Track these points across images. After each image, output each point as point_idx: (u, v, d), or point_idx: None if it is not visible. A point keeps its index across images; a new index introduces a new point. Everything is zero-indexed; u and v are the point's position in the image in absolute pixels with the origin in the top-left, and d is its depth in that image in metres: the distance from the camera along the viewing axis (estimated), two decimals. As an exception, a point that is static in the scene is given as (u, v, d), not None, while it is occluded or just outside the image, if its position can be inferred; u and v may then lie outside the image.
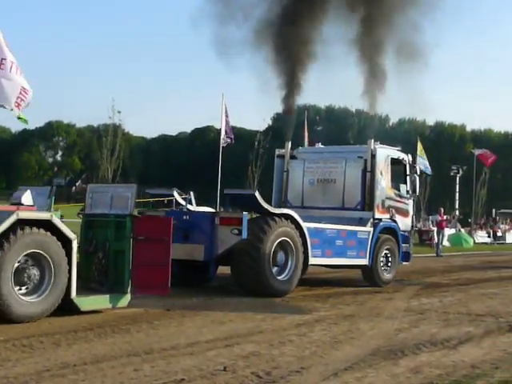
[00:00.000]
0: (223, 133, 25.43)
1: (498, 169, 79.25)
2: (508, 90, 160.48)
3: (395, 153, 17.36)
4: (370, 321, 10.89)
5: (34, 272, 9.60)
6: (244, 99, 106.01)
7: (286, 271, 13.92)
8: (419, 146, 36.58)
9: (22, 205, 10.29)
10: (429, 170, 37.00)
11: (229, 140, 25.61)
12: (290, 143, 17.98)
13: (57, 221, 9.95)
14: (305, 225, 14.38)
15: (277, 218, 13.74)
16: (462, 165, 47.19)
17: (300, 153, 17.96)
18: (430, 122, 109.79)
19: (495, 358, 8.32)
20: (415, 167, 18.13)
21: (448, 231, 39.02)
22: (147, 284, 10.77)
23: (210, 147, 74.19)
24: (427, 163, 36.22)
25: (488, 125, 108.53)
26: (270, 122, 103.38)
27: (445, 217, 35.05)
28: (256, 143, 42.57)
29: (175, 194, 14.81)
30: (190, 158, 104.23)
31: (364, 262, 15.95)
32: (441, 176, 59.31)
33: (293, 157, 17.74)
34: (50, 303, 9.73)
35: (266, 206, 13.95)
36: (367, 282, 16.44)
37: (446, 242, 37.01)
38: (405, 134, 69.73)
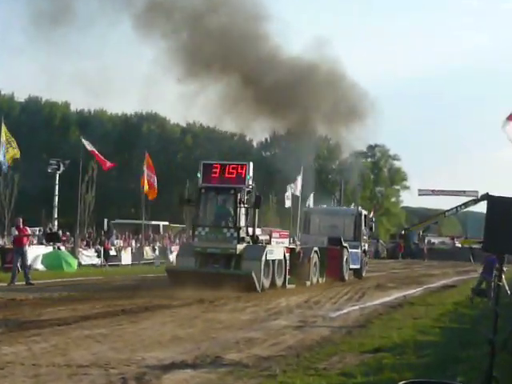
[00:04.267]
0: None
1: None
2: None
3: (364, 211, 33.39)
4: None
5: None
6: None
7: (347, 269, 29.80)
8: (3, 131, 28.16)
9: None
10: (5, 167, 29.98)
11: None
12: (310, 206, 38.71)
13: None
14: (349, 249, 29.46)
15: (344, 248, 29.01)
16: (65, 158, 36.61)
17: (316, 210, 34.43)
18: (21, 98, 77.44)
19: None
20: (372, 218, 36.67)
21: (38, 250, 29.42)
22: (331, 274, 27.60)
23: None
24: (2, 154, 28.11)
25: (102, 105, 79.01)
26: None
27: (28, 230, 24.18)
28: None
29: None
30: None
31: (358, 266, 31.13)
32: (40, 172, 44.44)
33: (312, 212, 33.66)
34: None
35: (343, 242, 28.92)
36: (356, 277, 30.91)
37: (39, 265, 28.32)
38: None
